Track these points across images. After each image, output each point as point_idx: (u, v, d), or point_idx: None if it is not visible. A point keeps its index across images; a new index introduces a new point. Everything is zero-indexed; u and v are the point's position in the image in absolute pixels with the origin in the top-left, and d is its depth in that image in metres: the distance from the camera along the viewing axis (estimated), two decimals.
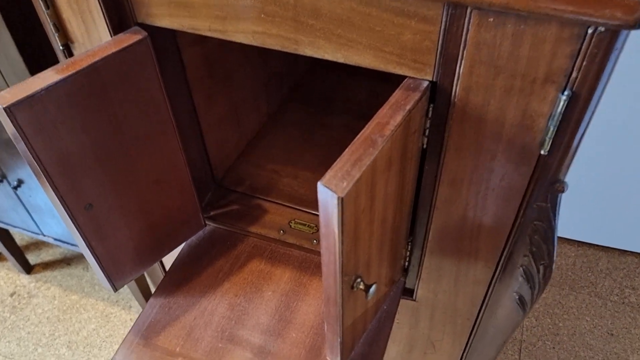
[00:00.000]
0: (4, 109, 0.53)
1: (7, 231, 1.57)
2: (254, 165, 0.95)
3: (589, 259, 1.79)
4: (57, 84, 0.56)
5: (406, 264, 0.79)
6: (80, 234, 0.68)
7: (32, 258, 1.74)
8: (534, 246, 0.65)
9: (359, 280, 0.59)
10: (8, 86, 1.00)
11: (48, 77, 0.56)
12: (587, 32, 0.46)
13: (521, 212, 0.63)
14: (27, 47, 0.92)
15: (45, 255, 1.76)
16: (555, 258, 0.65)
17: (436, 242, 0.72)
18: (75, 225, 0.67)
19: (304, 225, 0.88)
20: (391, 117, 0.51)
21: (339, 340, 0.66)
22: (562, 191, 0.59)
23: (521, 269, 0.69)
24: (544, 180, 0.58)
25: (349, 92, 1.05)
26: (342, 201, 0.45)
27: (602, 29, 0.45)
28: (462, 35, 0.50)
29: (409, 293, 0.84)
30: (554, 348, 1.60)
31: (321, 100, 1.05)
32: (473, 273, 0.75)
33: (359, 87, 1.05)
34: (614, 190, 1.63)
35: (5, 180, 1.27)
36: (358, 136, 0.50)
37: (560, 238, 1.84)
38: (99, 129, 0.63)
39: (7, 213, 1.40)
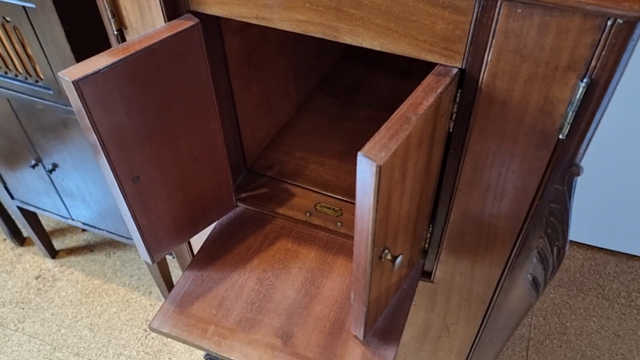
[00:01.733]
0: (72, 82, 0.59)
1: (35, 215, 1.63)
2: (283, 152, 1.01)
3: (598, 262, 1.83)
4: (118, 62, 0.62)
5: (426, 245, 0.84)
6: (127, 205, 0.74)
7: (57, 244, 1.81)
8: (549, 228, 0.70)
9: (386, 251, 0.64)
10: (52, 70, 1.06)
11: (111, 55, 0.62)
12: (607, 24, 0.51)
13: (539, 194, 0.68)
14: (74, 35, 0.98)
15: (69, 242, 1.82)
16: (568, 239, 0.70)
17: (457, 224, 0.77)
18: (123, 196, 0.72)
19: (329, 208, 0.93)
20: (424, 98, 0.56)
21: (364, 309, 0.70)
22: (578, 174, 0.64)
23: (536, 250, 0.74)
24: (562, 163, 0.63)
25: (373, 86, 1.10)
26: (379, 169, 0.50)
27: (620, 20, 0.50)
28: (491, 25, 0.55)
29: (426, 275, 0.89)
30: (561, 347, 1.63)
31: (347, 93, 1.11)
32: (490, 255, 0.79)
33: (383, 81, 1.11)
34: (623, 195, 1.67)
35: (40, 164, 1.33)
36: (394, 114, 0.55)
37: (569, 241, 1.88)
38: (150, 107, 0.69)
39: (39, 196, 1.46)
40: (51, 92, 1.12)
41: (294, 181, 0.96)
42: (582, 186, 1.69)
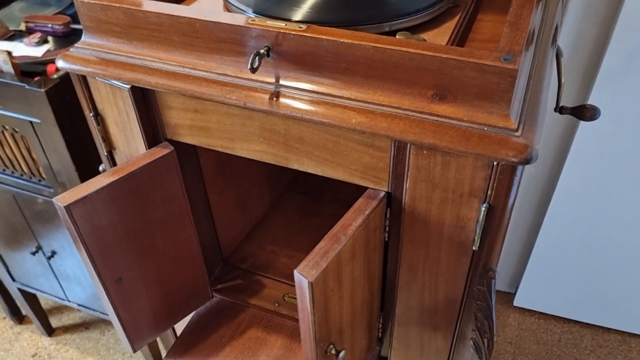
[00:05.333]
0: (64, 207, 0.71)
1: (34, 296, 1.73)
2: (257, 246, 1.12)
3: (574, 336, 1.89)
4: (104, 187, 0.74)
5: (379, 334, 0.93)
6: (111, 303, 0.84)
7: (55, 321, 1.89)
8: (478, 322, 0.80)
9: (331, 346, 0.74)
10: (53, 172, 1.20)
11: (98, 181, 0.75)
12: (493, 164, 0.63)
13: (466, 293, 0.78)
14: (74, 144, 1.12)
15: (66, 320, 1.90)
16: (495, 332, 0.79)
17: (402, 316, 0.87)
18: (107, 296, 0.83)
19: (296, 299, 1.02)
20: (353, 219, 0.68)
21: None
22: (494, 278, 0.74)
23: (471, 341, 0.83)
24: (479, 268, 0.74)
25: (338, 185, 1.23)
26: (311, 285, 0.61)
27: (502, 162, 0.62)
28: (406, 160, 0.67)
29: None
30: None
31: (316, 191, 1.23)
32: (435, 343, 0.88)
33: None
34: (598, 270, 1.75)
35: (40, 251, 1.44)
36: (328, 233, 0.66)
37: (546, 315, 1.95)
38: (132, 219, 0.81)
39: (38, 279, 1.57)
40: (52, 190, 1.24)
41: (265, 273, 1.07)
42: (559, 260, 1.78)
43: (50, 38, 1.25)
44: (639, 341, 1.86)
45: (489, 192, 0.65)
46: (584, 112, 0.92)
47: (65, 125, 1.09)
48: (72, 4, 1.39)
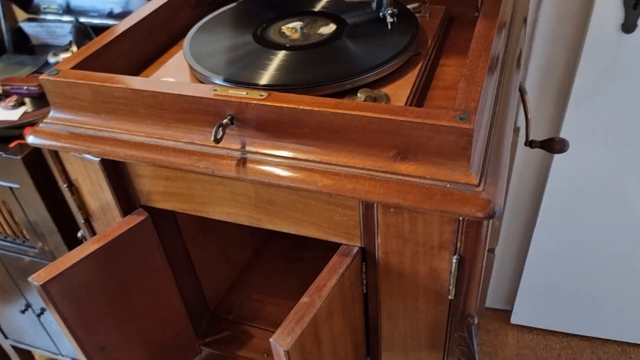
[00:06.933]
0: (40, 285, 0.71)
1: (29, 352, 1.72)
2: (242, 296, 1.12)
3: (574, 350, 1.89)
4: (80, 261, 0.75)
5: None
6: None
7: None
8: None
9: None
10: (36, 233, 1.20)
11: (74, 256, 0.75)
12: (459, 218, 0.63)
13: (447, 339, 0.78)
14: (53, 206, 1.13)
15: None
16: None
17: None
18: None
19: None
20: (327, 279, 0.68)
21: None
22: (474, 324, 0.74)
23: None
24: (457, 316, 0.74)
25: None
26: (287, 353, 0.62)
27: (467, 218, 0.62)
28: (375, 218, 0.68)
29: None
30: None
31: (298, 235, 1.23)
32: None
33: None
34: (592, 282, 1.76)
35: (30, 309, 1.44)
36: (302, 298, 0.67)
37: (544, 330, 1.95)
38: (111, 287, 0.81)
39: (31, 337, 1.56)
40: (36, 250, 1.25)
41: (252, 323, 1.07)
42: (551, 275, 1.78)
43: (27, 99, 1.26)
44: (638, 350, 1.86)
45: (459, 245, 0.66)
46: (553, 145, 0.93)
47: (44, 188, 1.09)
48: (47, 62, 1.40)
